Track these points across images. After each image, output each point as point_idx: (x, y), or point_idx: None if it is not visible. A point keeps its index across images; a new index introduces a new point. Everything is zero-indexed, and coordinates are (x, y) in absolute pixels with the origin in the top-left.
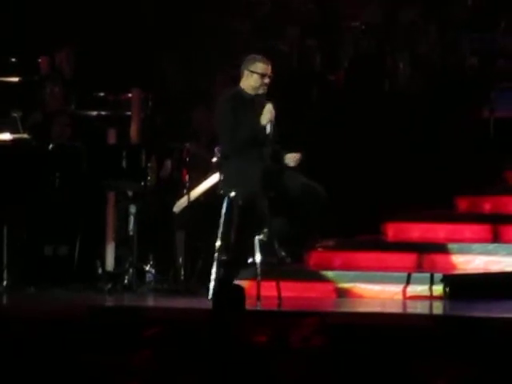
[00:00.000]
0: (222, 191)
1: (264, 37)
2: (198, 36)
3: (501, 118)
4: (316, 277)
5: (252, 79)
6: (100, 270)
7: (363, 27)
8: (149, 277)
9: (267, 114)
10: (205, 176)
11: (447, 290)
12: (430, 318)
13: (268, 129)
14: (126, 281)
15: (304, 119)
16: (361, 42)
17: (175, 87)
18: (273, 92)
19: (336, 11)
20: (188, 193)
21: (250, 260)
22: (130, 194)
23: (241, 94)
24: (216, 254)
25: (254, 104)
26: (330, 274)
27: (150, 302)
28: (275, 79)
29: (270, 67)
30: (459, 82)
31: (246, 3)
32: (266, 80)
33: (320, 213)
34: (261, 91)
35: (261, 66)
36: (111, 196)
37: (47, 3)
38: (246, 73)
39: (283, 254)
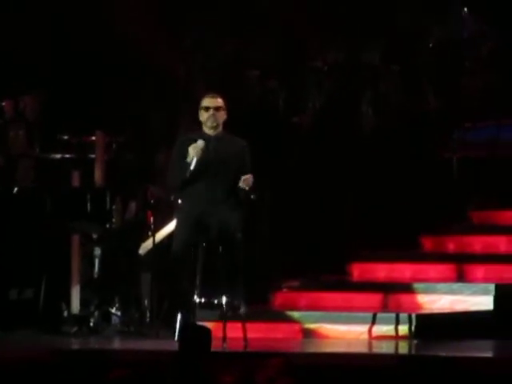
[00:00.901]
0: None
1: (225, 79)
2: (160, 79)
3: (464, 158)
4: (281, 317)
5: (201, 115)
6: (65, 313)
7: (326, 68)
8: (114, 319)
9: (192, 150)
10: (169, 218)
11: (412, 329)
12: (396, 357)
13: (192, 165)
14: (91, 323)
15: (269, 161)
16: (324, 83)
17: (140, 130)
18: (236, 132)
19: (298, 53)
20: (153, 235)
21: (215, 301)
22: (94, 236)
23: (193, 137)
24: (185, 297)
25: (212, 142)
26: (295, 314)
27: (116, 344)
28: (237, 120)
29: (216, 100)
30: (422, 122)
31: (208, 46)
32: (211, 112)
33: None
34: (209, 124)
35: (205, 101)
36: (76, 238)
37: (10, 46)
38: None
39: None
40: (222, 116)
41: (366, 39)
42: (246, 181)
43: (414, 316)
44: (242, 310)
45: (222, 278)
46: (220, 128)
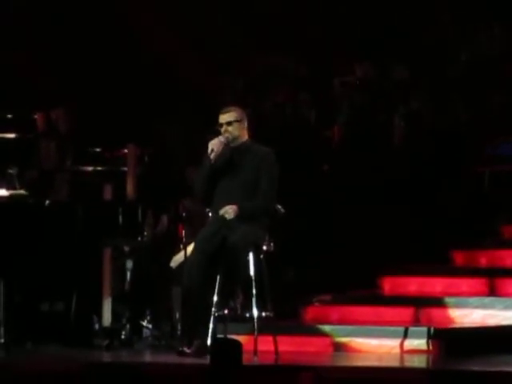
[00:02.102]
0: None
1: (257, 94)
2: (194, 94)
3: (495, 172)
4: (313, 331)
5: None
6: (97, 326)
7: (357, 82)
8: (146, 332)
9: (211, 144)
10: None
11: (444, 343)
12: (428, 372)
13: (212, 157)
14: (122, 336)
15: (301, 174)
16: (355, 97)
17: (171, 144)
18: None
19: (330, 67)
20: (184, 248)
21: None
22: (126, 249)
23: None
24: (213, 309)
25: (235, 153)
26: (326, 328)
27: (148, 357)
28: (270, 133)
29: (227, 115)
30: (453, 138)
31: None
32: (224, 128)
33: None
34: (223, 137)
35: (219, 117)
36: (107, 252)
37: (44, 59)
38: None
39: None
40: (237, 128)
41: (396, 54)
42: (224, 210)
43: (445, 330)
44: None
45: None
46: (241, 139)
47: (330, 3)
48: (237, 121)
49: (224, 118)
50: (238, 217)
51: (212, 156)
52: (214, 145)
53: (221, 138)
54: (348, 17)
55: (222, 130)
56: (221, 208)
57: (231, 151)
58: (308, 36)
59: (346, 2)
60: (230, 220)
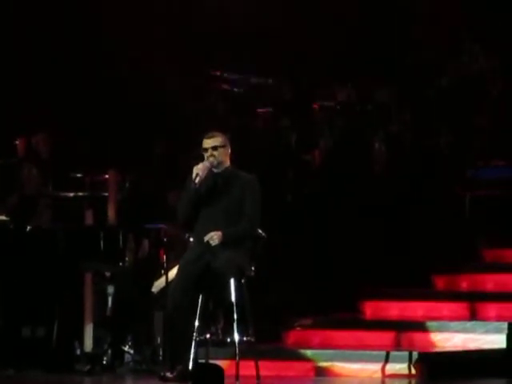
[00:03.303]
0: None
1: (238, 116)
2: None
3: (476, 196)
4: (294, 356)
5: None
6: (78, 351)
7: (338, 107)
8: (127, 357)
9: (195, 169)
10: (182, 256)
11: (425, 369)
12: None
13: (197, 181)
14: (104, 362)
15: (280, 199)
16: (335, 122)
17: (153, 169)
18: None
19: (310, 91)
20: (166, 273)
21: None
22: (107, 274)
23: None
24: (194, 334)
25: (219, 179)
26: (308, 352)
27: (130, 382)
28: (250, 158)
29: (212, 139)
30: (434, 161)
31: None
32: (209, 153)
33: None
34: (208, 162)
35: (203, 142)
36: (88, 276)
37: (24, 84)
38: None
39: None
40: (222, 153)
41: (377, 78)
42: (209, 236)
43: (426, 355)
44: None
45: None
46: (225, 165)
47: (311, 27)
48: (222, 146)
49: (209, 142)
50: (222, 243)
51: (197, 181)
52: (199, 169)
53: (206, 163)
54: (330, 41)
55: (207, 154)
56: (204, 234)
57: (215, 177)
58: (290, 59)
59: (326, 26)
60: (214, 245)
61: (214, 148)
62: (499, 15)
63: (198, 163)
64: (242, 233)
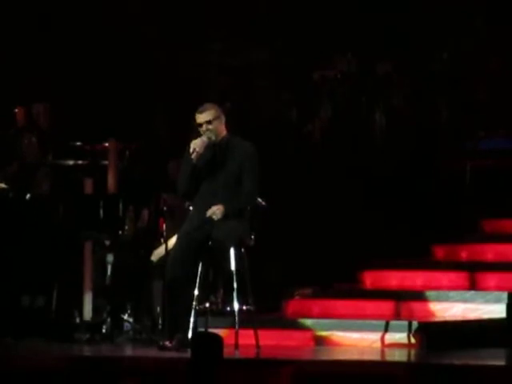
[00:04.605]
0: None
1: (239, 89)
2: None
3: (477, 167)
4: (294, 325)
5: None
6: (78, 320)
7: (339, 76)
8: (126, 326)
9: (193, 144)
10: (181, 225)
11: (424, 338)
12: (409, 365)
13: (194, 157)
14: (103, 330)
15: (281, 171)
16: (336, 91)
17: (154, 138)
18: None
19: (311, 61)
20: (165, 242)
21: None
22: (107, 243)
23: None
24: (194, 303)
25: (217, 149)
26: (307, 322)
27: (128, 352)
28: (252, 132)
29: (204, 113)
30: (434, 133)
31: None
32: (203, 128)
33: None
34: (205, 137)
35: (196, 118)
36: (88, 245)
37: (24, 54)
38: None
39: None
40: (217, 125)
41: (378, 49)
42: (212, 211)
43: (425, 324)
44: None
45: (222, 284)
46: (222, 135)
47: None
48: (215, 118)
49: (202, 117)
50: (224, 215)
51: (194, 156)
52: (197, 145)
53: (203, 138)
54: (331, 10)
55: (202, 129)
56: (204, 205)
57: (213, 148)
58: (290, 29)
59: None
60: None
61: (208, 122)
62: None
63: (195, 138)
64: (243, 205)
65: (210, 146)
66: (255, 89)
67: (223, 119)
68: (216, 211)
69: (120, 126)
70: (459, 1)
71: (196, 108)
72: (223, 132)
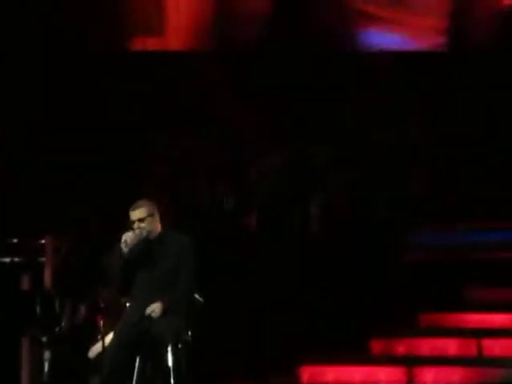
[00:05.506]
0: None
1: (177, 181)
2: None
3: (414, 262)
4: None
5: None
6: None
7: (275, 169)
8: None
9: (122, 238)
10: (119, 321)
11: None
12: None
13: (124, 248)
14: None
15: (217, 263)
16: (272, 185)
17: (84, 233)
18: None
19: (246, 155)
20: (102, 338)
21: None
22: (44, 340)
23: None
24: None
25: (153, 245)
26: None
27: None
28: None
29: (138, 211)
30: (372, 227)
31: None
32: (136, 225)
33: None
34: (137, 231)
35: (130, 214)
36: (25, 342)
37: None
38: None
39: None
40: (150, 223)
41: (315, 142)
42: (151, 309)
43: None
44: None
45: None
46: (156, 232)
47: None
48: (149, 215)
49: (135, 214)
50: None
51: (124, 247)
52: (128, 237)
53: (136, 232)
54: (270, 101)
55: (135, 226)
56: (142, 300)
57: (148, 243)
58: (228, 123)
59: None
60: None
61: (141, 220)
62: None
63: (128, 230)
64: (180, 299)
65: (145, 242)
66: (193, 178)
67: (157, 216)
68: (155, 309)
69: (55, 222)
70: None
71: (134, 199)
72: (157, 228)
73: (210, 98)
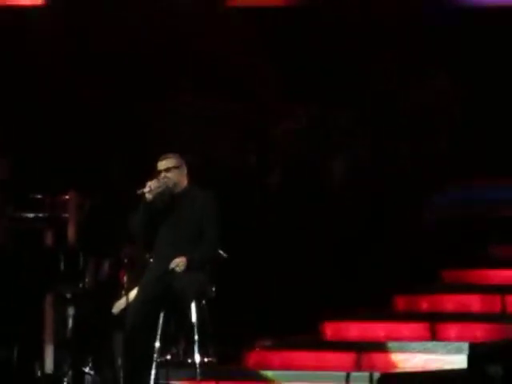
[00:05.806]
0: None
1: (203, 139)
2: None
3: (440, 219)
4: (255, 376)
5: None
6: (39, 373)
7: (298, 129)
8: (88, 379)
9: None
10: (142, 277)
11: None
12: None
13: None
14: (65, 383)
15: (242, 221)
16: (296, 145)
17: (116, 191)
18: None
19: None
20: (126, 294)
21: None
22: (68, 296)
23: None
24: (155, 355)
25: (177, 200)
26: (268, 373)
27: None
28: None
29: (166, 161)
30: (398, 184)
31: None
32: (162, 175)
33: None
34: (161, 180)
35: (158, 164)
36: (49, 298)
37: None
38: None
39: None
40: (176, 175)
41: (339, 101)
42: (175, 263)
43: (386, 376)
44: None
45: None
46: (181, 186)
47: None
48: (175, 167)
49: (162, 164)
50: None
51: (147, 193)
52: (153, 183)
53: (160, 179)
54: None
55: (161, 175)
56: (166, 256)
57: (173, 198)
58: (254, 80)
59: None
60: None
61: (167, 169)
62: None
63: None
64: (205, 257)
65: (170, 195)
66: (217, 139)
67: (184, 170)
68: (179, 263)
69: (79, 178)
70: (420, 52)
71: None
72: (184, 183)
73: (235, 60)
